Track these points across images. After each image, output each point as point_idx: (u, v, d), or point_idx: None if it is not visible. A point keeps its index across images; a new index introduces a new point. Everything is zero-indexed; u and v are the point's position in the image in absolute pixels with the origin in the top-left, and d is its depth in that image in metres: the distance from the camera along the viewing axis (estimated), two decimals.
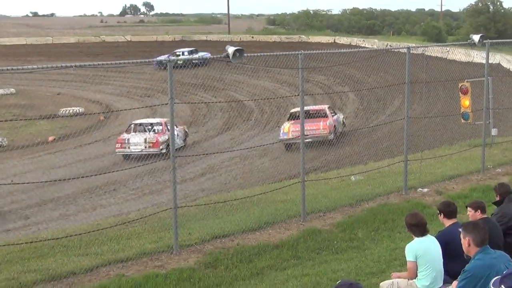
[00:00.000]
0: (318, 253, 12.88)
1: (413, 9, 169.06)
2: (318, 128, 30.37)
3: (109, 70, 60.24)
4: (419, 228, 8.86)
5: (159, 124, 32.94)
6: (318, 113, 31.35)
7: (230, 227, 13.96)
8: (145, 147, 31.26)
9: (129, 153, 30.69)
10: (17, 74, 58.25)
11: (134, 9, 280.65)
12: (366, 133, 33.42)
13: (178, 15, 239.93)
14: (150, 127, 32.48)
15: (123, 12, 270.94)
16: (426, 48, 19.42)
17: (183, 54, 63.25)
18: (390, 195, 16.77)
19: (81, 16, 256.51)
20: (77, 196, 24.91)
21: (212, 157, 29.38)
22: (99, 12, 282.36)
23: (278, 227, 14.26)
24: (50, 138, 36.73)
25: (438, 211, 9.61)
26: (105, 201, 23.98)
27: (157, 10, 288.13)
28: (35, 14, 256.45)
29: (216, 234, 13.57)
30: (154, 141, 31.48)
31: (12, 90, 56.29)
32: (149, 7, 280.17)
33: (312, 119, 30.20)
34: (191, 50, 67.11)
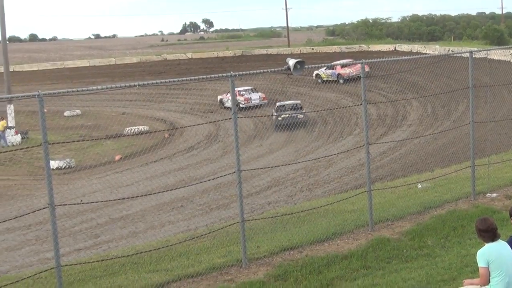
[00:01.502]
0: (387, 262, 12.77)
1: (474, 13, 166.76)
2: None
3: (171, 88, 60.86)
4: (489, 234, 8.73)
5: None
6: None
7: (298, 238, 13.93)
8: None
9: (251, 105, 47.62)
10: (83, 96, 59.28)
11: (194, 26, 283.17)
12: (432, 140, 33.10)
13: (237, 30, 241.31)
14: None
15: (183, 30, 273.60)
16: (488, 52, 19.17)
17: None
18: (458, 201, 16.55)
19: (142, 36, 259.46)
20: (145, 213, 25.20)
21: (277, 169, 29.41)
22: (160, 31, 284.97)
23: (346, 237, 14.19)
24: (117, 157, 37.22)
25: (509, 215, 9.47)
26: (173, 217, 24.20)
27: (217, 26, 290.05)
28: (97, 36, 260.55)
29: (285, 246, 13.55)
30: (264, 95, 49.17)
31: (78, 111, 57.24)
32: (209, 23, 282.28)
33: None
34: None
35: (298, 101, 44.26)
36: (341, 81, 56.09)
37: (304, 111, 41.43)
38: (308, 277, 12.09)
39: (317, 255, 13.13)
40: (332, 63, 55.11)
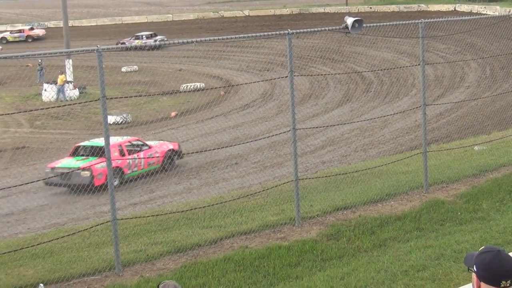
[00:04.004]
0: (441, 225, 12.71)
1: None
2: None
3: (228, 45, 60.80)
4: None
5: None
6: None
7: (352, 199, 13.93)
8: None
9: None
10: (140, 51, 59.65)
11: None
12: (489, 103, 32.64)
13: None
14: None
15: None
16: None
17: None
18: None
19: None
20: (199, 170, 25.38)
21: (332, 129, 29.32)
22: None
23: (400, 198, 14.14)
24: (172, 114, 37.44)
25: None
26: (227, 175, 24.34)
27: None
28: None
29: (338, 206, 13.57)
30: None
31: (135, 67, 57.61)
32: None
33: None
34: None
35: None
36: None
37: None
38: (361, 237, 12.11)
39: (370, 215, 13.13)
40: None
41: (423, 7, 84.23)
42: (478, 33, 38.29)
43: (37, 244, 12.03)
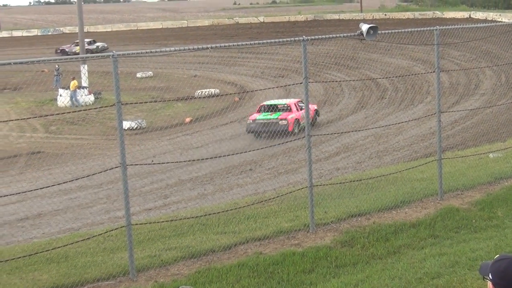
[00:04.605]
0: (456, 232, 12.66)
1: None
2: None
3: (243, 52, 60.98)
4: None
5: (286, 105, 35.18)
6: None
7: (366, 205, 13.90)
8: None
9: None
10: (155, 57, 59.87)
11: None
12: (504, 110, 32.54)
13: None
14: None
15: None
16: None
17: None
18: None
19: None
20: (214, 175, 25.43)
21: (347, 136, 29.32)
22: None
23: (414, 205, 14.11)
24: (187, 120, 37.53)
25: None
26: (241, 181, 24.37)
27: None
28: None
29: (352, 212, 13.54)
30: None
31: (150, 73, 57.82)
32: None
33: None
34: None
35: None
36: None
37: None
38: (375, 244, 12.08)
39: (384, 222, 13.10)
40: None
41: (438, 14, 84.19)
42: (493, 41, 38.19)
43: (52, 249, 12.06)
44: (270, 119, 32.71)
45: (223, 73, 56.46)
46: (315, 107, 34.96)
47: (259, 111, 34.23)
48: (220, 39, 74.76)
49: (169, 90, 46.28)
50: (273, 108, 33.79)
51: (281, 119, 32.85)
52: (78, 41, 69.72)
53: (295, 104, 34.57)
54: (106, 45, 75.65)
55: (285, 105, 34.52)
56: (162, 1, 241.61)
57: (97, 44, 74.98)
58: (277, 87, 39.91)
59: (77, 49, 67.90)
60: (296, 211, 13.86)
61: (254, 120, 32.78)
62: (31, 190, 18.21)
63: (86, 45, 69.24)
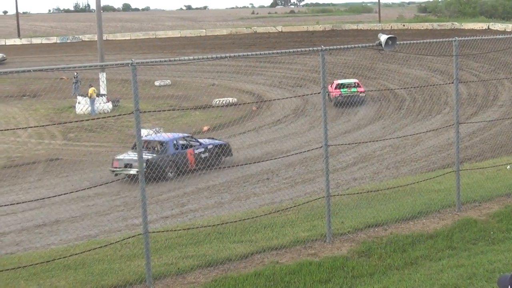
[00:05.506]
0: (474, 244, 12.61)
1: None
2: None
3: (261, 61, 61.04)
4: None
5: None
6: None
7: (383, 216, 13.88)
8: None
9: None
10: (173, 66, 60.04)
11: (284, 0, 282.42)
12: None
13: (328, 5, 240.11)
14: None
15: (274, 3, 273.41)
16: None
17: None
18: None
19: (232, 8, 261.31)
20: (231, 184, 25.45)
21: (364, 146, 29.29)
22: (251, 4, 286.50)
23: (432, 216, 14.07)
24: (205, 128, 37.60)
25: None
26: (258, 190, 24.37)
27: (307, 0, 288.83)
28: (188, 8, 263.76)
29: (369, 223, 13.52)
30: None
31: (168, 81, 57.99)
32: None
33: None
34: None
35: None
36: None
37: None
38: (392, 255, 12.05)
39: (402, 233, 13.07)
40: None
41: (456, 25, 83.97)
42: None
43: (69, 256, 12.11)
44: (353, 92, 43.41)
45: (241, 82, 56.56)
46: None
47: (335, 88, 43.89)
48: (238, 48, 74.94)
49: (187, 98, 46.42)
50: (347, 86, 44.38)
51: (360, 92, 43.75)
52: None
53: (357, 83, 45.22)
54: (4, 56, 77.29)
55: (355, 83, 44.92)
56: (180, 10, 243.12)
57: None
58: (295, 96, 39.95)
59: None
60: (313, 221, 13.85)
61: (340, 94, 42.70)
62: (49, 197, 18.30)
63: None
